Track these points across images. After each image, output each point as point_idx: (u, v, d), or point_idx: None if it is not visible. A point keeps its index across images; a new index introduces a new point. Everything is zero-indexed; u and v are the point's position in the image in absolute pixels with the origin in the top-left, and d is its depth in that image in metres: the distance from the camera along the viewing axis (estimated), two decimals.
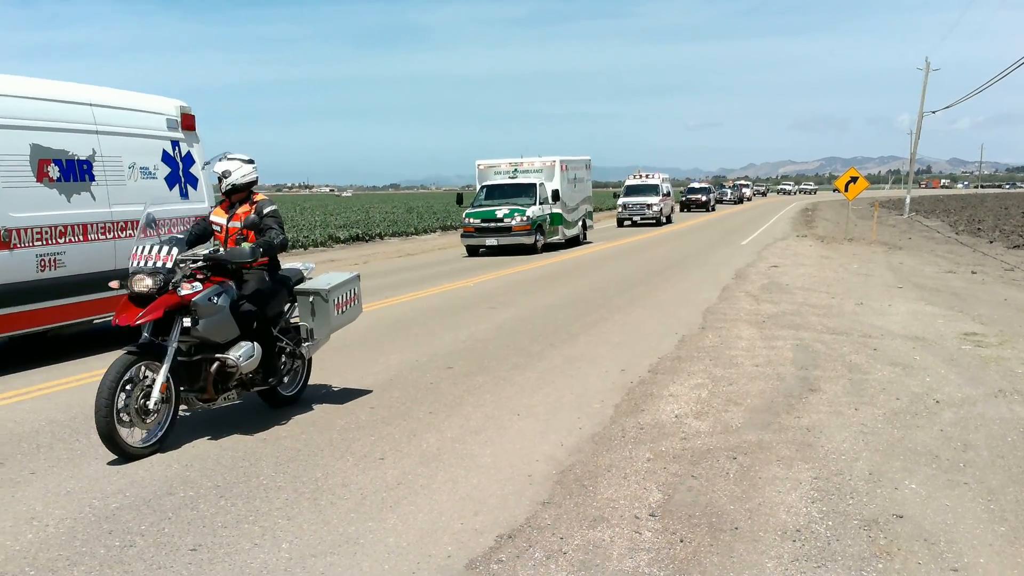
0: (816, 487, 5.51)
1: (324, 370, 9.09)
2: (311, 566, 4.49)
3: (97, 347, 10.74)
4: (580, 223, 29.36)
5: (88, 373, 9.15)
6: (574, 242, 28.59)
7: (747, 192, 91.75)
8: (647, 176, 44.30)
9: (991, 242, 29.34)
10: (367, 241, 33.90)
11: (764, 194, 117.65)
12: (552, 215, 26.33)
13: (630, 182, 43.91)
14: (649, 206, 40.79)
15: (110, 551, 4.71)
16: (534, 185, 26.02)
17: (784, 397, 7.71)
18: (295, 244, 29.88)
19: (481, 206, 25.92)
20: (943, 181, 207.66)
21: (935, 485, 5.54)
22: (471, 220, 25.34)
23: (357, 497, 5.47)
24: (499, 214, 24.89)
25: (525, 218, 24.66)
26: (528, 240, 24.80)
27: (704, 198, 59.37)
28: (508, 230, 24.72)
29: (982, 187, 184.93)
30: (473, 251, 25.41)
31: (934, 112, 52.22)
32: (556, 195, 26.29)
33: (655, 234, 34.37)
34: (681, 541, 4.73)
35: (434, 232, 39.33)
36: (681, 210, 55.90)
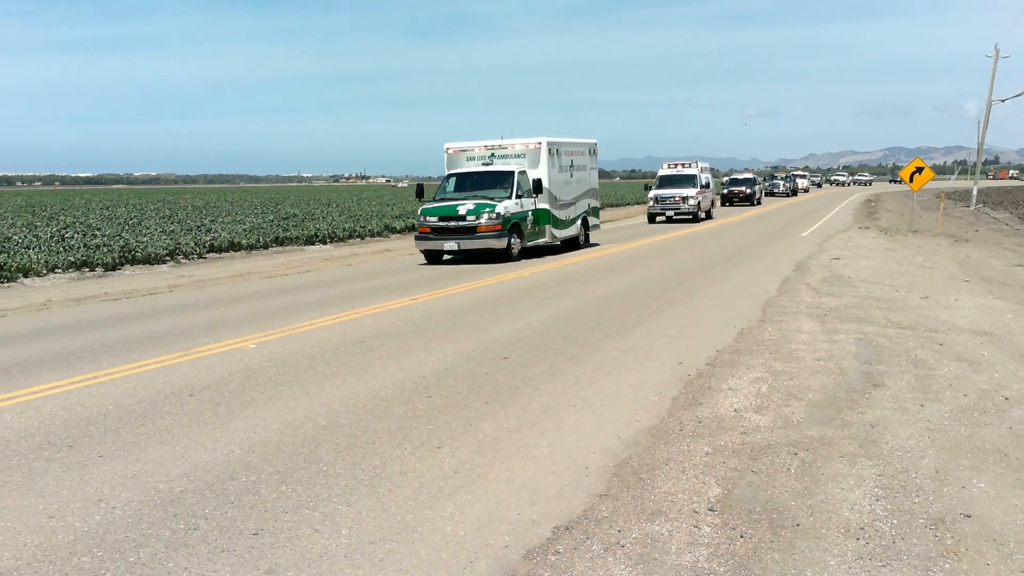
0: (880, 484, 5.39)
1: (381, 358, 9.18)
2: (370, 552, 4.54)
3: (163, 335, 11.00)
4: (579, 222, 24.16)
5: (153, 359, 9.37)
6: (571, 245, 23.82)
7: (803, 183, 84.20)
8: (683, 165, 38.51)
9: None
10: None
11: (819, 185, 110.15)
12: (537, 212, 21.55)
13: (663, 172, 38.39)
14: (684, 199, 35.42)
15: (175, 534, 4.81)
16: (511, 174, 21.06)
17: (846, 392, 7.56)
18: (352, 234, 30.18)
19: (443, 200, 21.11)
20: (1012, 172, 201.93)
21: (1004, 484, 5.39)
22: (427, 218, 20.45)
23: (415, 485, 5.51)
24: (461, 210, 20.00)
25: (495, 215, 19.79)
26: (498, 244, 19.88)
27: (748, 191, 52.47)
28: (472, 231, 19.82)
29: None
30: (433, 257, 20.68)
31: (1003, 101, 50.70)
32: (539, 186, 21.49)
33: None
34: (741, 537, 4.67)
35: None
36: (722, 204, 50.01)
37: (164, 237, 26.60)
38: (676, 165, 38.69)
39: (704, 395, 7.58)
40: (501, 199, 20.30)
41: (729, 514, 4.98)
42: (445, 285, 15.60)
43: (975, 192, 51.47)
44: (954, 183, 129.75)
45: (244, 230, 29.83)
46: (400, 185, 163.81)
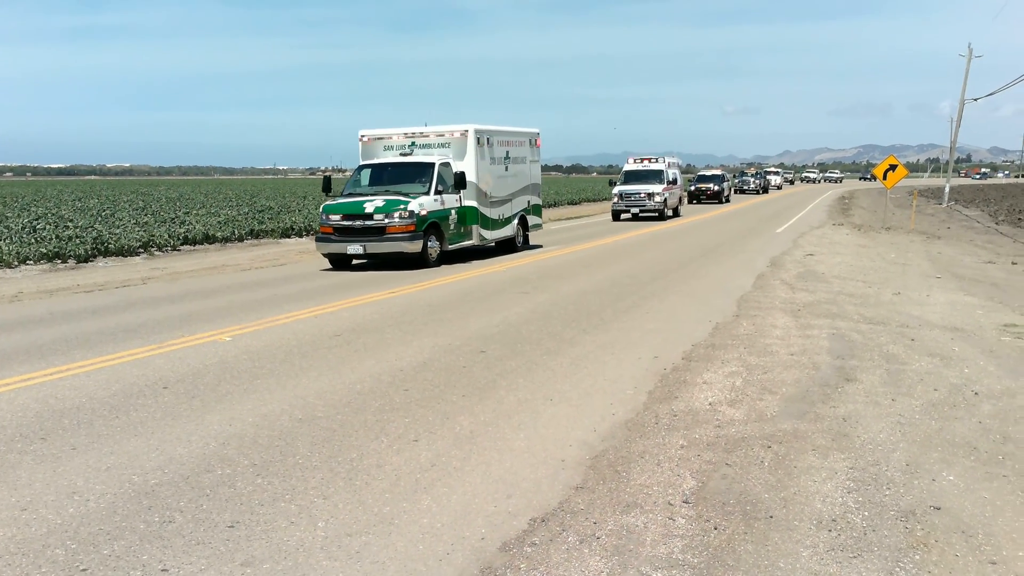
0: (852, 477, 5.47)
1: (358, 351, 9.16)
2: (347, 545, 4.54)
3: (137, 328, 10.92)
4: (515, 222, 21.62)
5: (127, 351, 9.30)
6: (506, 247, 21.52)
7: (776, 180, 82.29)
8: (650, 160, 36.47)
9: None
10: None
11: (792, 182, 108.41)
12: (462, 210, 19.14)
13: (628, 166, 36.22)
14: (650, 196, 33.50)
15: (150, 526, 4.79)
16: (430, 166, 18.58)
17: (820, 386, 7.64)
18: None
19: (352, 195, 18.65)
20: (983, 170, 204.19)
21: (973, 477, 5.48)
22: (329, 217, 17.97)
23: (392, 478, 5.51)
24: (368, 207, 17.56)
25: (407, 214, 17.37)
26: (412, 247, 17.45)
27: (716, 188, 50.55)
28: (380, 232, 17.41)
29: (1023, 177, 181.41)
30: (339, 262, 18.24)
31: (976, 100, 51.27)
32: (462, 180, 18.73)
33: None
34: (715, 528, 4.72)
35: None
36: (690, 202, 48.40)
37: (138, 229, 26.36)
38: (642, 160, 36.65)
39: (679, 389, 7.63)
40: (417, 195, 17.85)
41: (703, 506, 5.03)
42: (428, 279, 15.58)
43: (947, 190, 52.03)
44: (927, 181, 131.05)
45: (219, 223, 29.62)
46: None
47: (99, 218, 31.36)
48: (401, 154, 19.70)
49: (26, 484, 5.43)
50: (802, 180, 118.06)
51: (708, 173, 55.21)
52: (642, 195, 33.66)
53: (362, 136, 20.31)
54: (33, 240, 22.38)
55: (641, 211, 33.63)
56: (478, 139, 19.61)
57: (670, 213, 35.19)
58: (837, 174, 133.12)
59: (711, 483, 5.39)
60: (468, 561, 4.38)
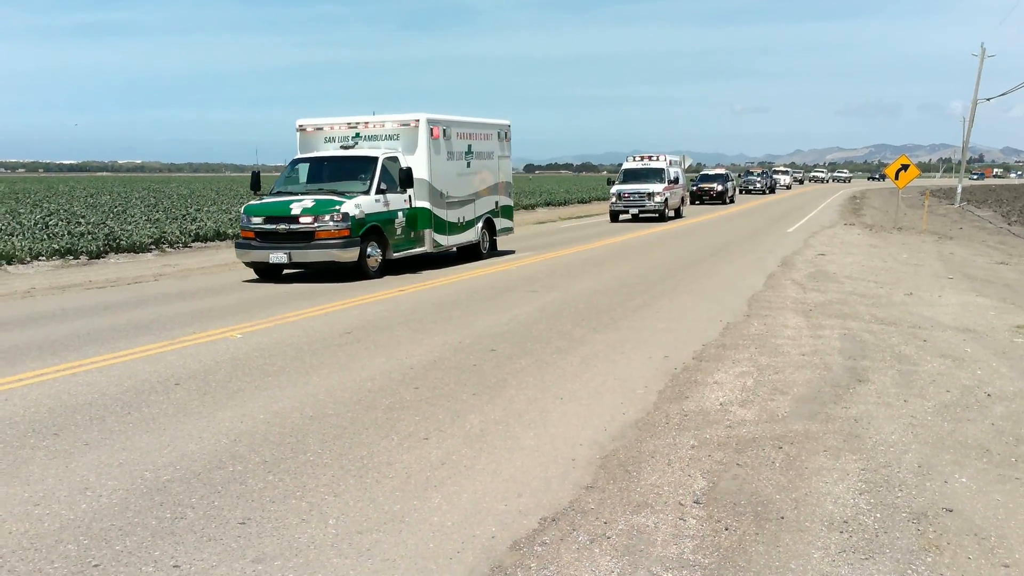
0: (864, 479, 5.45)
1: (368, 349, 9.18)
2: (357, 542, 4.55)
3: (149, 324, 10.97)
4: (479, 225, 19.20)
5: (140, 348, 9.34)
6: (471, 254, 19.23)
7: (784, 180, 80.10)
8: (650, 158, 34.78)
9: None
10: None
11: (801, 182, 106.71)
12: (412, 212, 16.75)
13: (627, 165, 34.75)
14: (650, 195, 31.94)
15: (161, 522, 4.81)
16: (373, 161, 16.20)
17: (831, 387, 7.62)
18: None
19: (280, 194, 16.29)
20: (995, 171, 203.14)
21: (986, 479, 5.45)
22: (251, 219, 15.61)
23: (402, 476, 5.52)
24: (295, 209, 15.15)
25: (341, 216, 14.96)
26: (345, 255, 15.03)
27: (720, 188, 48.29)
28: (308, 237, 15.00)
29: None
30: (266, 272, 15.85)
31: (988, 100, 51.00)
32: (409, 178, 16.31)
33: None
34: (726, 529, 4.71)
35: None
36: (692, 202, 45.55)
37: (149, 225, 26.43)
38: (642, 158, 34.90)
39: (690, 388, 7.62)
40: (355, 194, 15.53)
41: (714, 507, 5.02)
42: (434, 275, 15.59)
43: (960, 190, 51.78)
44: (939, 181, 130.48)
45: (230, 219, 29.68)
46: None
47: (111, 215, 31.49)
48: (343, 147, 17.26)
49: (39, 480, 5.46)
50: (811, 180, 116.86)
51: (711, 172, 52.92)
52: (642, 195, 32.15)
53: (300, 126, 17.91)
54: (45, 236, 22.47)
55: (640, 212, 32.16)
56: (432, 130, 17.18)
57: (671, 214, 33.91)
58: (846, 173, 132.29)
59: (722, 483, 5.38)
60: (478, 560, 4.38)
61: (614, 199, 32.80)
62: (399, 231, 16.47)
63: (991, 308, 12.07)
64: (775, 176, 75.84)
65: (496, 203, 20.33)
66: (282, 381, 7.89)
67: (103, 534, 4.66)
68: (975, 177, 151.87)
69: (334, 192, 15.67)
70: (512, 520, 4.86)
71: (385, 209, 16.01)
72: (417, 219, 16.98)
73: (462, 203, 18.55)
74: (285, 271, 16.00)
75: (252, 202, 16.36)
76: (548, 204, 48.09)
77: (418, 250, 17.21)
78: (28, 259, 19.04)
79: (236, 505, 5.05)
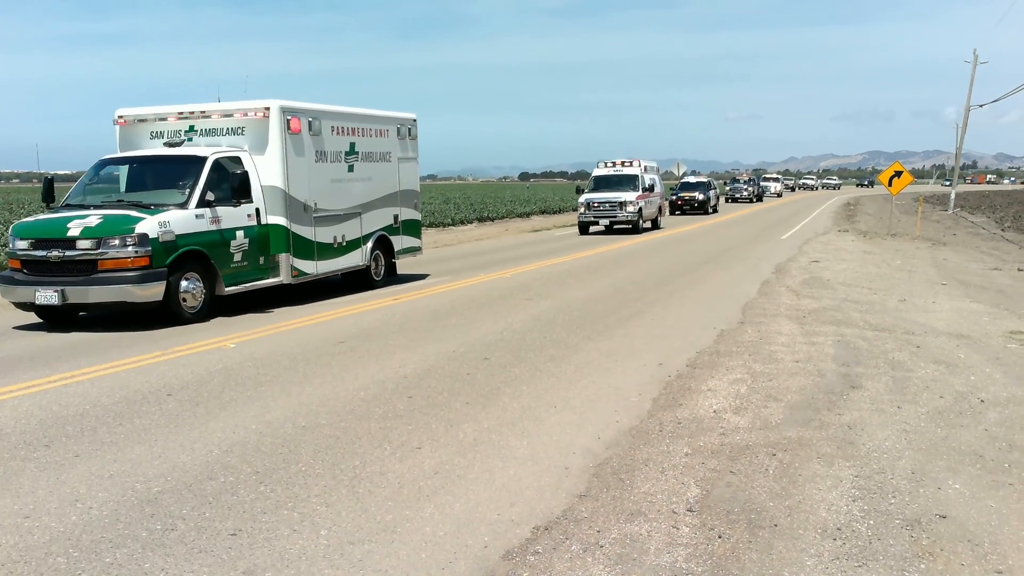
0: (857, 485, 5.44)
1: (361, 358, 9.16)
2: (349, 553, 4.53)
3: (141, 334, 10.93)
4: (368, 246, 15.27)
5: (131, 358, 9.30)
6: (359, 282, 15.34)
7: (775, 187, 76.26)
8: (624, 164, 32.35)
9: None
10: None
11: (793, 189, 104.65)
12: (261, 231, 12.87)
13: (598, 171, 32.47)
14: (622, 205, 29.28)
15: (152, 534, 4.78)
16: (199, 163, 12.45)
17: (825, 394, 7.62)
18: None
19: (70, 207, 12.35)
20: (989, 177, 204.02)
21: (979, 485, 5.45)
22: (17, 243, 11.69)
23: (395, 486, 5.50)
24: (73, 229, 11.28)
25: (137, 238, 11.19)
26: (143, 292, 11.13)
27: (701, 196, 44.97)
28: (90, 268, 11.17)
29: None
30: (50, 313, 11.59)
31: (981, 106, 51.11)
32: (243, 186, 12.52)
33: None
34: (719, 537, 4.70)
35: (471, 223, 39.34)
36: (672, 212, 42.36)
37: None
38: (614, 164, 32.54)
39: (684, 396, 7.61)
40: (168, 207, 11.81)
41: (708, 514, 5.00)
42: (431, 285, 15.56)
43: (953, 196, 51.91)
44: (932, 187, 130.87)
45: None
46: None
47: None
48: (168, 144, 13.30)
49: (29, 491, 5.43)
50: (801, 187, 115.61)
51: (692, 180, 49.38)
52: (613, 204, 29.45)
53: (119, 116, 13.91)
54: None
55: (613, 222, 29.57)
56: (288, 122, 13.16)
57: (647, 225, 31.43)
58: (836, 180, 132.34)
59: (715, 491, 5.37)
60: (471, 570, 4.36)
61: (583, 209, 30.16)
62: (237, 257, 12.54)
63: (985, 314, 12.08)
64: (764, 184, 73.11)
65: (395, 217, 16.38)
66: (275, 391, 7.86)
67: (93, 546, 4.63)
68: (947, 183, 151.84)
69: (136, 205, 11.88)
70: (505, 529, 4.84)
71: (213, 228, 12.14)
72: (268, 240, 13.00)
73: (340, 218, 14.53)
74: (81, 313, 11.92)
75: (25, 220, 12.68)
76: (543, 212, 48.18)
77: (269, 281, 13.11)
78: None
79: (227, 516, 5.02)
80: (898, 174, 27.95)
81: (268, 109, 13.04)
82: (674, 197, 44.74)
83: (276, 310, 12.88)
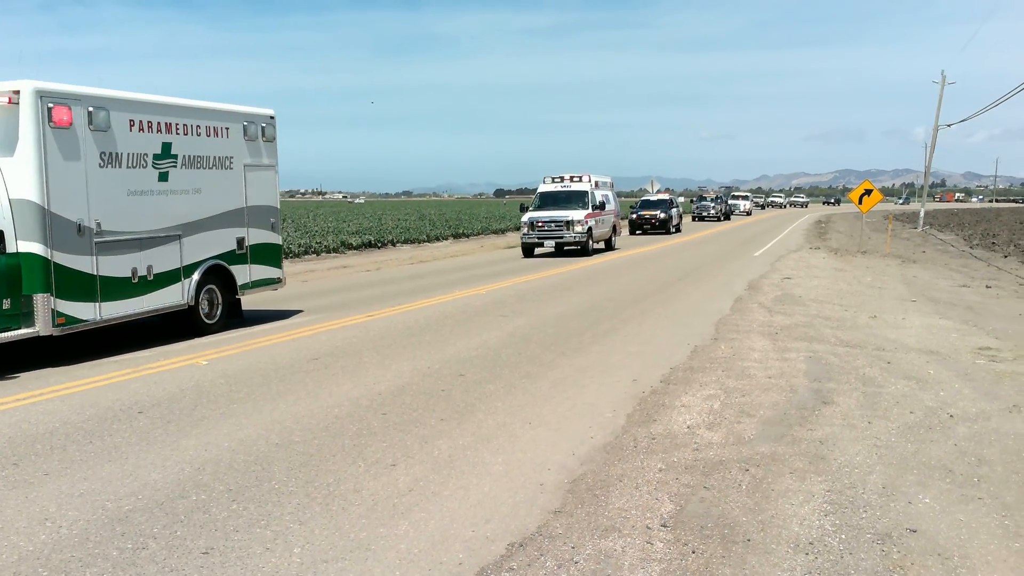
0: (829, 500, 5.48)
1: (336, 375, 9.12)
2: (323, 571, 4.50)
3: (111, 351, 10.82)
4: (196, 278, 12.03)
5: (103, 376, 9.21)
6: (184, 327, 12.07)
7: (744, 205, 74.67)
8: (573, 178, 29.14)
9: (1006, 256, 29.16)
10: (379, 248, 33.96)
11: (763, 207, 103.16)
12: (9, 262, 9.61)
13: (544, 188, 29.37)
14: (569, 224, 26.68)
15: (123, 553, 4.72)
16: None
17: (797, 409, 7.68)
18: (308, 250, 29.97)
19: None
20: (957, 195, 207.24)
21: (949, 500, 5.51)
22: None
23: (369, 503, 5.47)
24: None
25: None
26: None
27: (663, 215, 41.93)
28: None
29: (997, 201, 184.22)
30: None
31: (949, 126, 51.96)
32: None
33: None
34: (693, 552, 4.72)
35: (446, 240, 39.37)
36: (633, 231, 41.32)
37: None
38: (562, 179, 29.39)
39: (658, 412, 7.64)
40: None
41: (681, 530, 5.03)
42: (403, 301, 15.55)
43: (922, 214, 52.61)
44: (902, 205, 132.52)
45: None
46: (357, 201, 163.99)
47: None
48: None
49: None
50: (769, 204, 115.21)
51: (653, 198, 45.92)
52: (559, 223, 26.82)
53: None
54: None
55: (559, 244, 26.80)
56: (49, 112, 9.85)
57: (599, 246, 29.04)
58: (803, 198, 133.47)
59: (689, 506, 5.39)
60: None
61: (526, 229, 27.18)
62: None
63: (954, 330, 12.24)
64: (733, 202, 71.53)
65: (239, 241, 12.99)
66: (248, 408, 7.81)
67: (63, 565, 4.57)
68: (900, 201, 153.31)
69: None
70: (480, 546, 4.83)
71: None
72: (20, 276, 9.69)
73: (144, 243, 11.22)
74: None
75: None
76: (518, 228, 48.29)
77: (22, 332, 9.73)
78: None
79: (199, 535, 4.97)
80: (868, 192, 28.29)
81: (17, 93, 9.65)
82: (633, 216, 42.48)
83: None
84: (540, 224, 26.87)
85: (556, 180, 29.21)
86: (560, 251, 27.25)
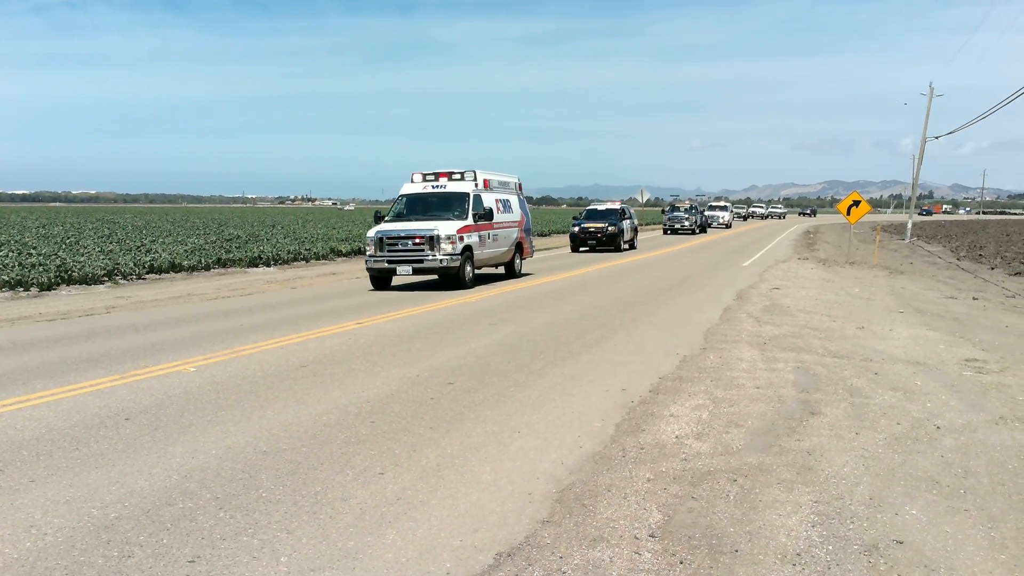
0: (816, 511, 5.50)
1: (324, 383, 9.09)
2: None
3: (100, 358, 10.77)
4: None
5: (89, 382, 9.16)
6: None
7: (724, 217, 68.22)
8: (449, 176, 21.14)
9: (992, 268, 29.35)
10: None
11: (745, 218, 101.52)
12: None
13: (408, 189, 21.41)
14: (433, 242, 18.99)
15: (108, 561, 4.69)
16: None
17: (785, 420, 7.70)
18: (297, 256, 29.92)
19: None
20: (945, 207, 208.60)
21: (936, 511, 5.53)
22: None
23: (356, 511, 5.46)
24: None
25: None
26: None
27: (612, 228, 35.11)
28: None
29: (984, 213, 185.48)
30: None
31: (937, 138, 52.34)
32: None
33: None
34: (681, 563, 4.72)
35: None
36: (573, 249, 35.80)
37: (102, 257, 26.05)
38: (435, 175, 21.31)
39: (647, 422, 7.65)
40: None
41: (669, 540, 5.03)
42: (390, 309, 15.53)
43: (910, 225, 52.91)
44: (890, 216, 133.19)
45: (185, 251, 29.38)
46: (347, 208, 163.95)
47: (63, 246, 30.98)
48: None
49: None
50: (751, 215, 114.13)
51: (600, 208, 38.33)
52: (419, 240, 19.07)
53: None
54: None
55: (416, 270, 19.19)
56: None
57: (500, 271, 22.71)
58: (781, 209, 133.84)
59: (677, 517, 5.40)
60: None
61: (372, 249, 19.57)
62: None
63: (941, 342, 12.30)
64: (711, 212, 65.53)
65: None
66: (236, 415, 7.78)
67: (48, 573, 4.54)
68: (888, 211, 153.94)
69: None
70: (468, 556, 4.82)
71: None
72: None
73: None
74: None
75: None
76: None
77: None
78: None
79: (186, 543, 4.95)
80: (856, 203, 28.43)
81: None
82: (576, 229, 35.93)
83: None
84: (390, 241, 19.29)
85: (428, 178, 21.34)
86: (419, 273, 19.46)
